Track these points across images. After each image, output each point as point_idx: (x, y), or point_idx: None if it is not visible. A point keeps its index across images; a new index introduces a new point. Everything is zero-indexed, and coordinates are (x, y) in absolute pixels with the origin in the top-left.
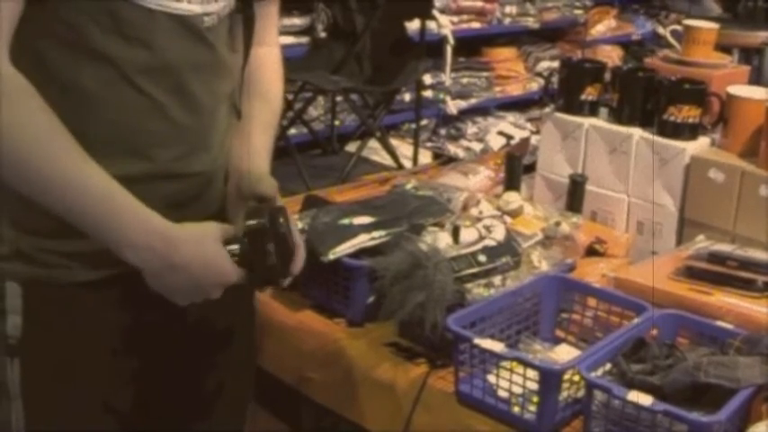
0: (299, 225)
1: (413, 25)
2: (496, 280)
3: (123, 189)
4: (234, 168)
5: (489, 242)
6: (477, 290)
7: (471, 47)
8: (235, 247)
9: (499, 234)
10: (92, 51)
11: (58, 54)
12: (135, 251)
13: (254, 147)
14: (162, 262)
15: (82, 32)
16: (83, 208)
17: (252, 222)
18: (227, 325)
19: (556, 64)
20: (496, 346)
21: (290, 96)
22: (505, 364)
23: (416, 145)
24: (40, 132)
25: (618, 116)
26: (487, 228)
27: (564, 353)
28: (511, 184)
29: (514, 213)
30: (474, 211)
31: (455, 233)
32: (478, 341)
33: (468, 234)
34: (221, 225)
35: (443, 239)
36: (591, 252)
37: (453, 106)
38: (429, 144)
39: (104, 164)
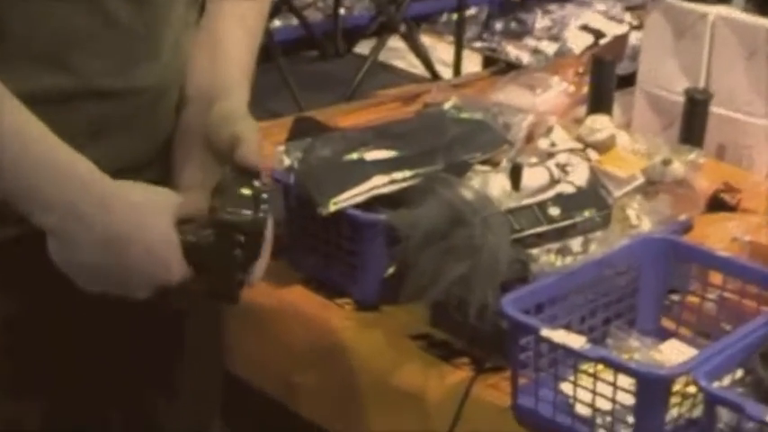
0: (286, 161)
1: None
2: (575, 244)
3: (39, 123)
4: (195, 93)
5: (565, 188)
6: (546, 258)
7: None
8: (191, 238)
9: (580, 177)
10: None
11: None
12: (47, 212)
13: (229, 65)
14: (83, 232)
15: None
16: None
17: (229, 214)
18: (174, 308)
19: None
20: (574, 341)
21: None
22: (587, 367)
23: (459, 45)
24: None
25: (760, 3)
26: (563, 167)
27: (673, 352)
28: (598, 103)
29: (603, 146)
30: (544, 143)
31: (515, 175)
32: (548, 333)
33: (534, 176)
34: (180, 197)
35: (498, 184)
36: (716, 205)
37: None
38: (478, 44)
39: (9, 79)
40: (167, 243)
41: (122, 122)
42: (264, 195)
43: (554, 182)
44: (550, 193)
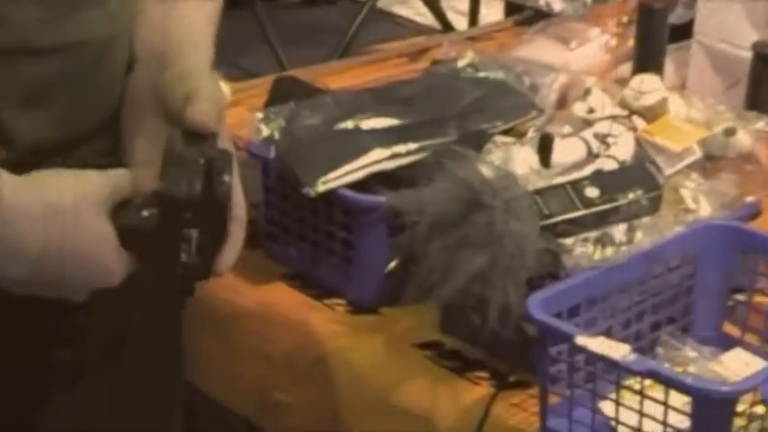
0: (264, 131)
1: None
2: (618, 232)
3: None
4: (146, 52)
5: (606, 164)
6: (582, 249)
7: None
8: (132, 221)
9: (624, 150)
10: None
11: None
12: None
13: (186, 17)
14: None
15: None
16: None
17: (171, 187)
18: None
19: None
20: (617, 351)
21: None
22: (632, 382)
23: None
24: None
25: None
26: (603, 138)
27: (738, 364)
28: (646, 60)
29: (652, 113)
30: (579, 108)
31: (544, 148)
32: (584, 341)
33: (567, 150)
34: (111, 178)
35: (523, 158)
36: None
37: None
38: None
39: None
40: (101, 242)
41: (64, 84)
42: (222, 162)
43: (592, 156)
44: (587, 171)
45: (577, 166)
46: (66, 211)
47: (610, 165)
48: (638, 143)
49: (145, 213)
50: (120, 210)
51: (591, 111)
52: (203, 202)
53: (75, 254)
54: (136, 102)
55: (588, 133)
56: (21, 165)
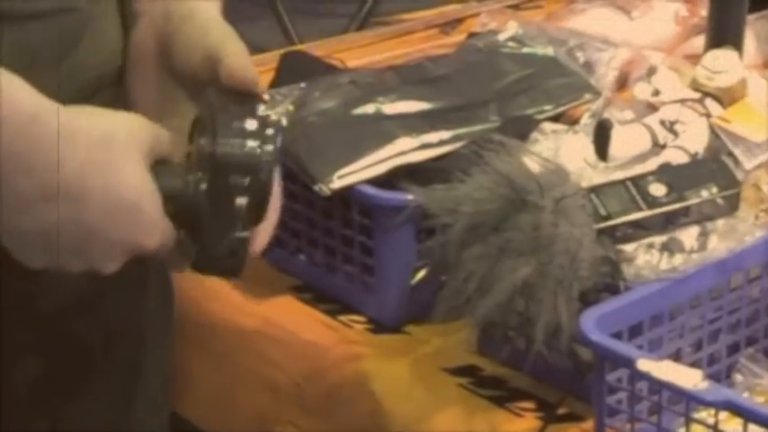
0: (271, 116)
1: None
2: (688, 237)
3: None
4: (146, 5)
5: (674, 156)
6: (645, 257)
7: None
8: (175, 184)
9: (696, 140)
10: None
11: None
12: None
13: None
14: (21, 186)
15: None
16: None
17: (227, 147)
18: (105, 330)
19: None
20: (687, 378)
21: None
22: (705, 414)
23: None
24: None
25: None
26: (671, 126)
27: None
28: (722, 32)
29: (729, 96)
30: (643, 90)
31: (601, 136)
32: (648, 366)
33: (628, 139)
34: (154, 127)
35: (576, 150)
36: None
37: None
38: None
39: None
40: (141, 192)
41: (48, 52)
42: (271, 128)
43: (658, 147)
44: (652, 164)
45: (640, 158)
46: (117, 143)
47: (679, 157)
48: (713, 132)
49: (192, 177)
50: (159, 171)
51: (656, 93)
52: (256, 165)
53: (113, 198)
54: (138, 68)
55: (653, 120)
56: None
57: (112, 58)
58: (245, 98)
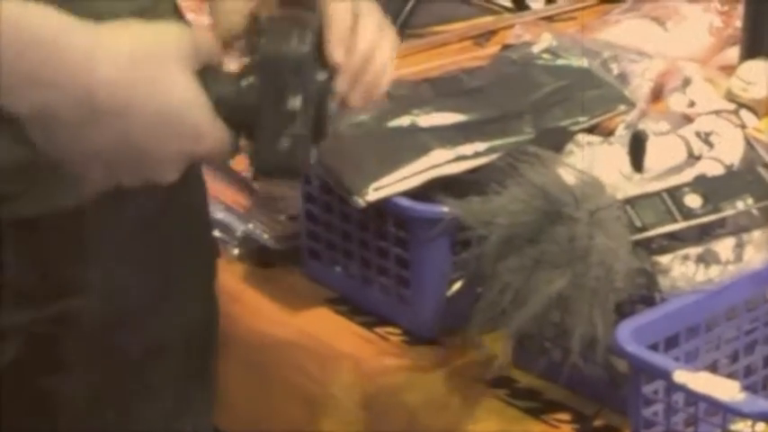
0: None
1: None
2: (724, 249)
3: None
4: None
5: (710, 168)
6: (681, 268)
7: None
8: (222, 86)
9: (731, 151)
10: None
11: None
12: (13, 89)
13: None
14: (62, 103)
15: None
16: None
17: (277, 44)
18: (151, 344)
19: None
20: (723, 390)
21: None
22: (743, 426)
23: None
24: None
25: None
26: (706, 137)
27: None
28: (756, 43)
29: (764, 106)
30: (678, 102)
31: (636, 147)
32: (684, 377)
33: (663, 151)
34: (190, 33)
35: (611, 161)
36: None
37: None
38: None
39: None
40: (186, 100)
41: None
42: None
43: (693, 158)
44: (688, 175)
45: (676, 170)
46: (158, 55)
47: (714, 168)
48: (748, 143)
49: (243, 82)
50: (208, 76)
51: (691, 104)
52: (307, 64)
53: (158, 110)
54: None
55: (688, 131)
56: None
57: None
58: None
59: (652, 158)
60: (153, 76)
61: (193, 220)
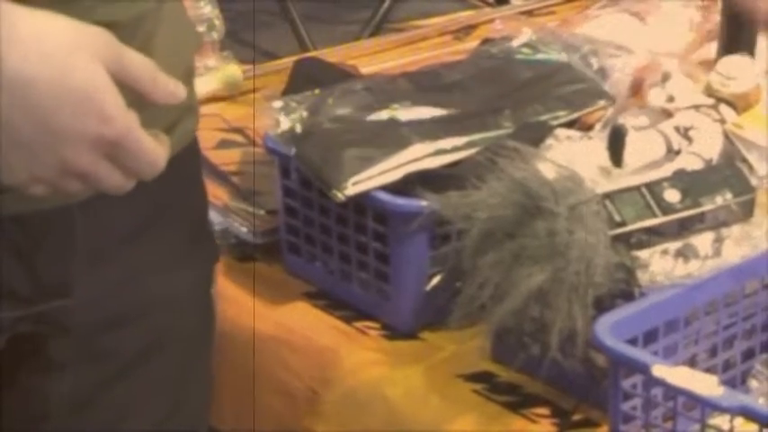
0: (284, 123)
1: None
2: (702, 243)
3: None
4: None
5: (689, 162)
6: (660, 263)
7: None
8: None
9: (710, 146)
10: None
11: None
12: None
13: None
14: None
15: None
16: None
17: None
18: (143, 343)
19: None
20: (702, 384)
21: None
22: (720, 421)
23: None
24: None
25: None
26: (685, 132)
27: None
28: (735, 38)
29: (743, 102)
30: (657, 96)
31: (615, 142)
32: (663, 372)
33: (643, 145)
34: (125, 50)
35: (590, 156)
36: None
37: None
38: None
39: None
40: (92, 74)
41: None
42: None
43: (672, 153)
44: (667, 170)
45: (655, 164)
46: (67, 39)
47: (693, 163)
48: (727, 138)
49: None
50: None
51: (671, 99)
52: None
53: (62, 87)
54: None
55: (668, 126)
56: None
57: None
58: None
59: (631, 153)
60: (62, 57)
61: (192, 224)
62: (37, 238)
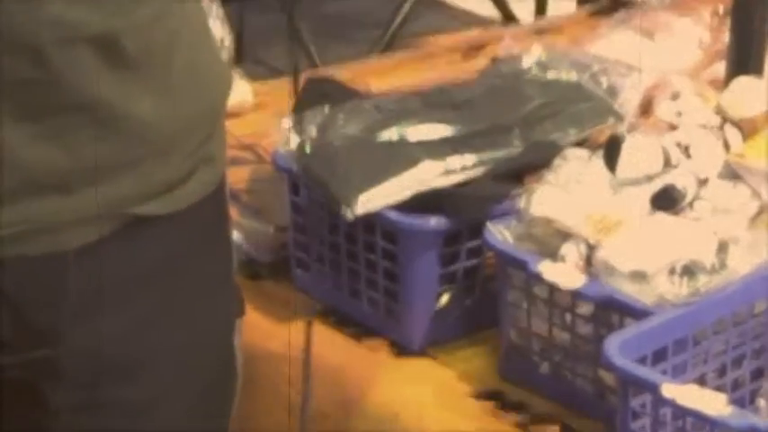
0: (294, 141)
1: None
2: (706, 254)
3: None
4: None
5: (682, 178)
6: (665, 280)
7: None
8: None
9: (707, 162)
10: None
11: None
12: None
13: None
14: None
15: None
16: None
17: None
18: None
19: None
20: (710, 404)
21: None
22: None
23: None
24: None
25: None
26: (686, 149)
27: None
28: (743, 59)
29: (750, 125)
30: (667, 112)
31: (611, 150)
32: (672, 391)
33: (641, 155)
34: None
35: (599, 175)
36: None
37: None
38: None
39: None
40: None
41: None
42: None
43: (670, 166)
44: (659, 185)
45: (649, 178)
46: None
47: (686, 181)
48: (727, 161)
49: None
50: None
51: (679, 114)
52: None
53: None
54: None
55: (669, 140)
56: None
57: None
58: None
59: (626, 163)
60: None
61: (210, 276)
62: (26, 284)
